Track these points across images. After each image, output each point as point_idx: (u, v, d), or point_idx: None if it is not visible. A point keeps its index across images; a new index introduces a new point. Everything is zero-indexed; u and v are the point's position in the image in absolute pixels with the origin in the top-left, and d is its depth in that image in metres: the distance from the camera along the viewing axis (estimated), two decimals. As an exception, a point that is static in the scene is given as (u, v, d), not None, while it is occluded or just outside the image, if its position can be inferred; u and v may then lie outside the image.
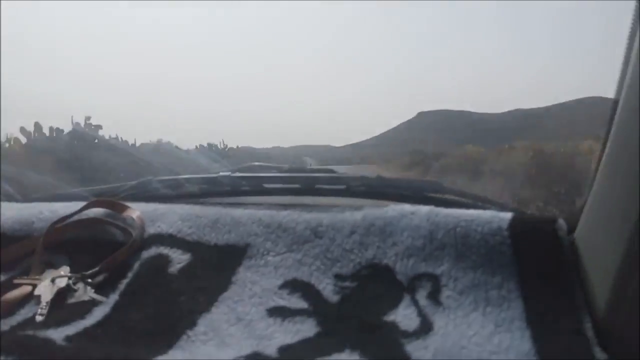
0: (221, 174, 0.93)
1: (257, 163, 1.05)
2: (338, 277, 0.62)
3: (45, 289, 0.61)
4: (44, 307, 0.59)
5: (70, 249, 0.70)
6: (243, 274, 0.63)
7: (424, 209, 0.67)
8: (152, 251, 0.67)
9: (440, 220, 0.64)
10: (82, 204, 0.77)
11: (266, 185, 0.87)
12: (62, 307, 0.60)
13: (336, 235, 0.66)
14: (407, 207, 0.68)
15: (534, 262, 0.58)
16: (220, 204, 0.79)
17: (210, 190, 0.87)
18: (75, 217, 0.73)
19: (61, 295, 0.61)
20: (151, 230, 0.71)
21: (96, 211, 0.75)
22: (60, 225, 0.71)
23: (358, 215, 0.68)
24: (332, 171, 0.96)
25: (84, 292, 0.62)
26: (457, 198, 0.79)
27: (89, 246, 0.70)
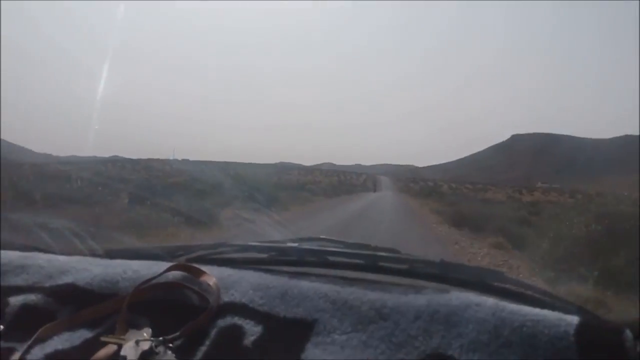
0: (289, 244, 0.98)
1: (322, 236, 1.08)
2: None
3: (130, 350, 0.64)
4: None
5: (151, 311, 0.73)
6: (311, 351, 0.64)
7: (489, 301, 0.67)
8: (228, 320, 0.70)
9: (506, 317, 0.63)
10: (160, 263, 0.82)
11: (330, 258, 0.89)
12: None
13: (400, 320, 0.66)
14: (471, 297, 0.68)
15: None
16: (286, 273, 0.81)
17: (277, 259, 0.91)
18: (157, 280, 0.77)
19: (144, 357, 0.63)
20: (225, 297, 0.74)
21: (175, 274, 0.79)
22: (144, 287, 0.75)
23: (422, 300, 0.68)
24: (395, 250, 0.96)
25: (165, 356, 0.64)
26: (520, 290, 0.78)
27: (168, 309, 0.74)
